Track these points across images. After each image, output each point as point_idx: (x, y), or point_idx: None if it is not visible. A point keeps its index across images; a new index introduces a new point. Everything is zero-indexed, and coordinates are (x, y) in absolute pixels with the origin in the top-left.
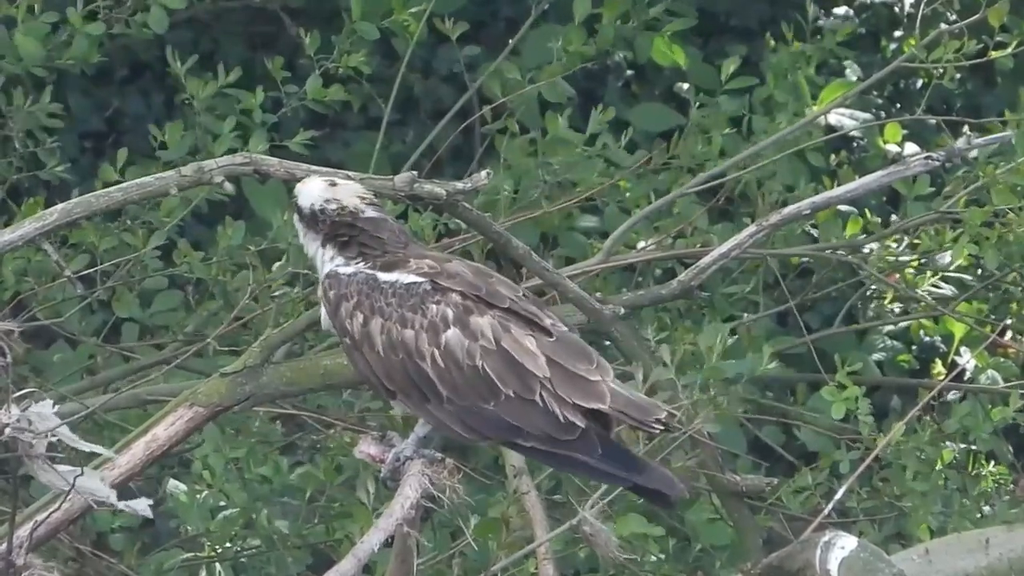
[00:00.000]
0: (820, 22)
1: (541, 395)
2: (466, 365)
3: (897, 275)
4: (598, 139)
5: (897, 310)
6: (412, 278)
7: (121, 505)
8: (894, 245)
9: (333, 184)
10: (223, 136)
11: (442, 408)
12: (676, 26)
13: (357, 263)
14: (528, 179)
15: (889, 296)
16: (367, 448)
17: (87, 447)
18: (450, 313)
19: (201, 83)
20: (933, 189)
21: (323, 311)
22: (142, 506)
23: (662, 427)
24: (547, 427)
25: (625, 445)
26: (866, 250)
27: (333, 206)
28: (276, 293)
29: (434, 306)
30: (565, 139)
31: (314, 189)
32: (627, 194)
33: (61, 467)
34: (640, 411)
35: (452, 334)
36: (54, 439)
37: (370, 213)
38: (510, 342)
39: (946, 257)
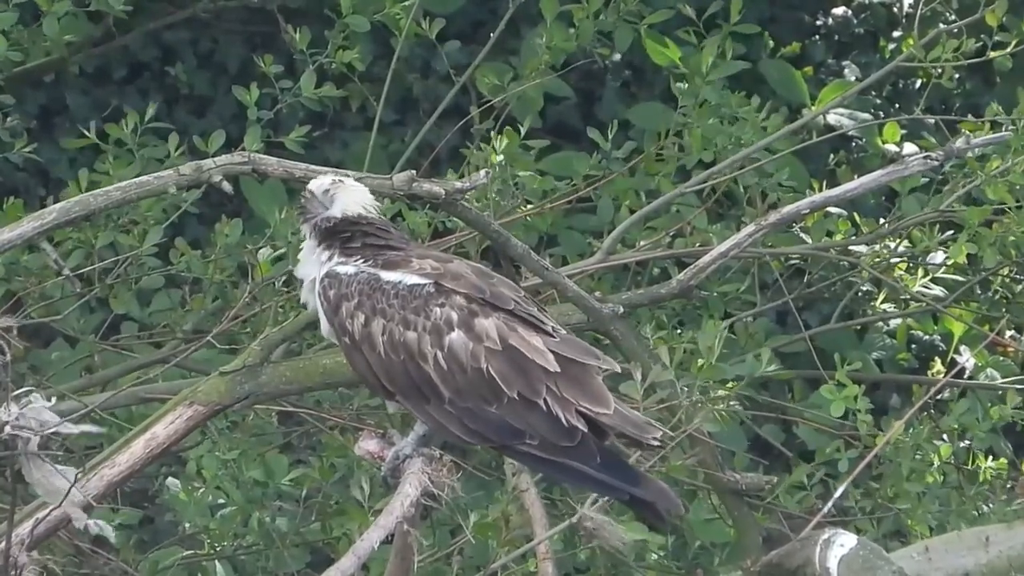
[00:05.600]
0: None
1: (546, 398)
2: (470, 367)
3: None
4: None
5: (891, 309)
6: (415, 279)
7: (91, 522)
8: (892, 244)
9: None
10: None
11: (442, 409)
12: (655, 18)
13: (357, 261)
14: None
15: (881, 296)
16: (367, 445)
17: (82, 428)
18: (454, 316)
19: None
20: (927, 180)
21: (320, 313)
22: (108, 530)
23: (658, 445)
24: (548, 431)
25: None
26: (864, 249)
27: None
28: (270, 283)
29: (438, 309)
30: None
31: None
32: (616, 184)
33: (52, 469)
34: (637, 428)
35: (456, 336)
36: (51, 432)
37: (375, 216)
38: (518, 340)
39: (937, 257)
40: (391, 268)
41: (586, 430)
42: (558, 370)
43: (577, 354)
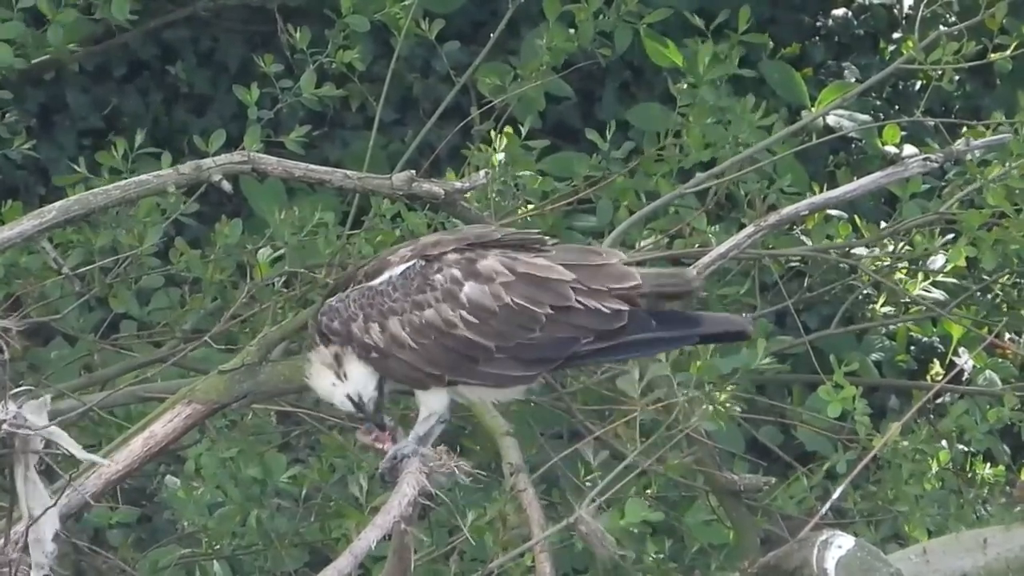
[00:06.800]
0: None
1: (577, 299)
2: (498, 308)
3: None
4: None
5: (891, 312)
6: (402, 266)
7: None
8: (891, 247)
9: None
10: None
11: (494, 360)
12: (653, 17)
13: (342, 291)
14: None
15: (881, 299)
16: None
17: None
18: (456, 272)
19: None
20: (928, 186)
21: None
22: None
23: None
24: (596, 324)
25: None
26: (863, 251)
27: None
28: (268, 283)
29: (438, 276)
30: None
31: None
32: (615, 184)
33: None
34: (674, 281)
35: (470, 288)
36: (48, 435)
37: None
38: (524, 265)
39: (937, 261)
40: (375, 276)
41: (627, 308)
42: (573, 276)
43: (580, 257)
